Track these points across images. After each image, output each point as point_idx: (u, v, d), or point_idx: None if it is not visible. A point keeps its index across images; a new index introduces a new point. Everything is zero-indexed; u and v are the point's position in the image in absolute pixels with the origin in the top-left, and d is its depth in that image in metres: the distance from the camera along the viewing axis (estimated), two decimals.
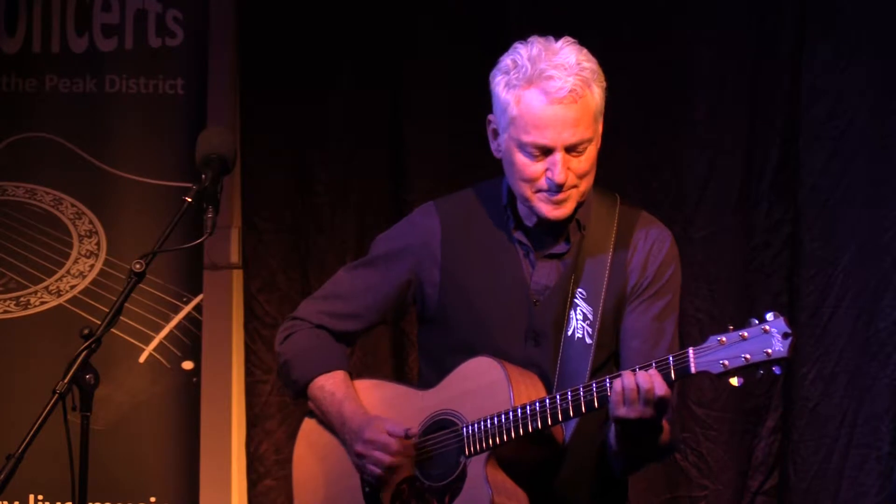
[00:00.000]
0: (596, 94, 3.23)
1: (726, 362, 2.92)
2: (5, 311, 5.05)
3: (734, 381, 2.94)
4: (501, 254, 3.35)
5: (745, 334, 2.92)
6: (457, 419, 3.27)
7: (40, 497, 4.92)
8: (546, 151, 3.21)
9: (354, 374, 3.47)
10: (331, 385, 3.41)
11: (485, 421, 3.20)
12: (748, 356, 2.90)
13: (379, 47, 5.15)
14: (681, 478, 4.88)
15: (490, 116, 3.33)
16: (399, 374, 5.04)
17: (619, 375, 3.03)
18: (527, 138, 3.21)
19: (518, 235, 3.34)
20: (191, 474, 4.99)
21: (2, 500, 3.81)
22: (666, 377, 3.01)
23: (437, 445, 3.28)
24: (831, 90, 4.78)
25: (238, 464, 5.20)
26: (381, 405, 3.39)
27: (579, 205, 3.29)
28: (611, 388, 3.03)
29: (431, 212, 3.45)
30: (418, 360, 3.53)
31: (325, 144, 5.18)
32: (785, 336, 2.90)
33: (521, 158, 3.24)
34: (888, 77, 4.73)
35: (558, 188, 3.21)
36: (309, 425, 3.50)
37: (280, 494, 5.09)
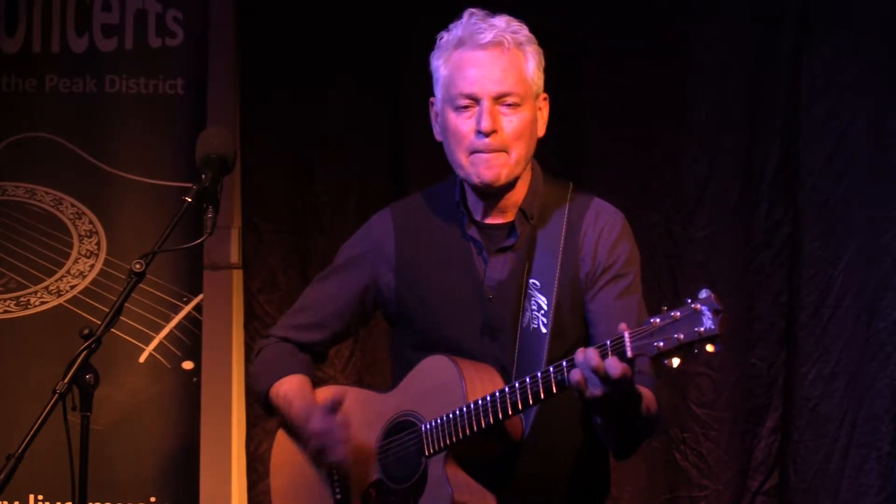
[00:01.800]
0: (528, 59, 3.28)
1: (660, 344, 2.88)
2: (5, 311, 5.05)
3: (673, 362, 2.90)
4: (454, 252, 3.36)
5: (678, 314, 2.88)
6: (416, 419, 3.28)
7: (40, 497, 4.92)
8: (475, 101, 3.24)
9: (340, 379, 3.48)
10: (285, 389, 3.44)
11: (440, 419, 3.20)
12: (681, 336, 2.86)
13: (379, 47, 5.15)
14: (681, 478, 4.88)
15: (431, 99, 3.40)
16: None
17: (572, 362, 2.98)
18: (455, 90, 3.27)
19: (471, 233, 3.36)
20: (191, 474, 4.99)
21: (2, 500, 3.81)
22: None
23: (399, 447, 3.30)
24: (831, 90, 4.78)
25: (238, 464, 5.20)
26: (343, 412, 3.36)
27: (515, 178, 3.28)
28: (570, 378, 2.98)
29: (386, 216, 3.51)
30: (392, 364, 3.54)
31: (325, 144, 5.18)
32: (716, 313, 2.83)
33: (453, 119, 3.29)
34: (888, 77, 4.73)
35: (485, 135, 3.23)
36: (279, 437, 3.53)
37: None
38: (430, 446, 3.22)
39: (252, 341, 5.15)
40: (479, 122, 3.24)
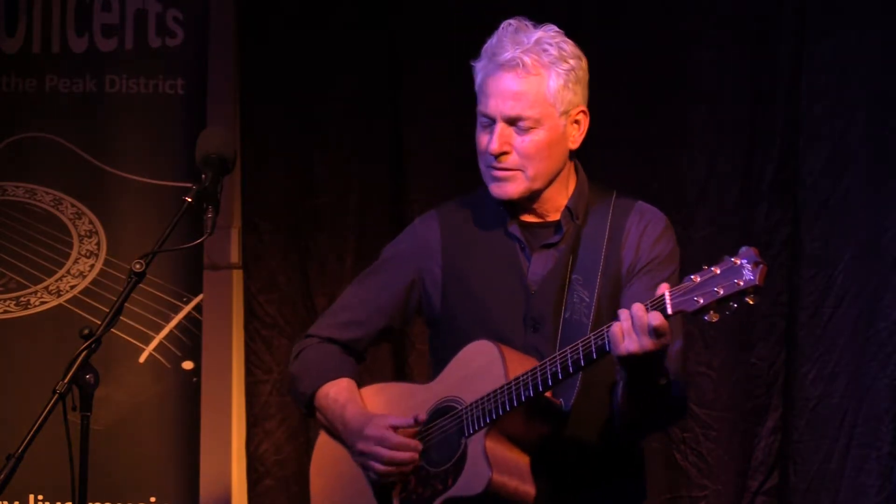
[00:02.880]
0: (552, 79, 3.29)
1: (700, 299, 2.91)
2: (5, 311, 5.05)
3: (710, 317, 2.93)
4: (498, 249, 3.40)
5: (717, 269, 2.91)
6: (457, 403, 3.30)
7: (40, 497, 4.92)
8: (493, 121, 3.30)
9: (358, 379, 3.48)
10: (334, 392, 3.44)
11: (481, 399, 3.22)
12: (720, 289, 2.89)
13: (379, 47, 5.15)
14: (681, 478, 4.89)
15: None
16: (399, 376, 5.05)
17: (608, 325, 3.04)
18: (479, 106, 3.34)
19: (513, 230, 3.39)
20: (191, 474, 4.99)
21: (2, 500, 3.81)
22: None
23: (439, 431, 3.31)
24: (831, 90, 4.78)
25: (238, 464, 5.20)
26: (386, 406, 3.42)
27: (538, 191, 3.33)
28: (609, 330, 3.03)
29: (432, 217, 3.53)
30: (429, 369, 3.54)
31: (325, 144, 5.18)
32: (756, 265, 2.88)
33: (478, 131, 3.36)
34: (888, 77, 4.73)
35: (492, 156, 3.30)
36: (321, 439, 3.53)
37: (280, 494, 5.10)
38: (471, 426, 3.23)
39: (252, 341, 5.15)
40: (488, 143, 3.31)
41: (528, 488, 3.20)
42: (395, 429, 3.30)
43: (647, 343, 2.99)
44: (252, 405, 5.14)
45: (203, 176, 3.13)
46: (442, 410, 3.32)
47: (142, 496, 4.94)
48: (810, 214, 4.80)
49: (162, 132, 5.08)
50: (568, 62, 3.31)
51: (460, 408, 3.28)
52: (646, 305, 2.99)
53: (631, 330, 3.00)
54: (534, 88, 3.28)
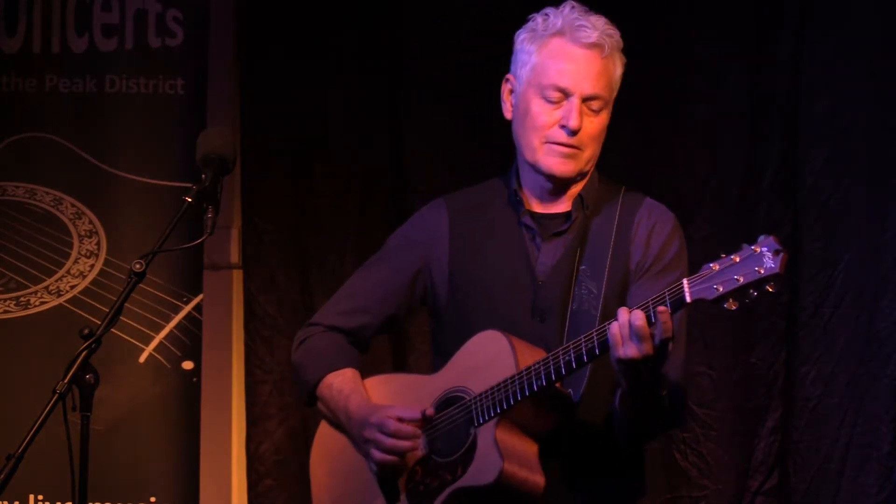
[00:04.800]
0: (618, 66, 3.34)
1: (720, 287, 2.91)
2: (5, 311, 5.05)
3: (729, 305, 2.92)
4: (507, 238, 3.39)
5: (737, 258, 2.92)
6: (465, 394, 3.28)
7: (40, 497, 4.92)
8: (565, 95, 3.28)
9: (361, 370, 3.47)
10: (339, 383, 3.43)
11: (491, 389, 3.21)
12: (741, 278, 2.89)
13: (379, 47, 5.15)
14: (681, 478, 4.88)
15: (508, 76, 3.41)
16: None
17: (615, 318, 3.04)
18: (548, 80, 3.30)
19: (525, 220, 3.39)
20: (191, 474, 4.99)
21: (2, 500, 3.81)
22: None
23: (447, 422, 3.29)
24: (831, 90, 4.78)
25: (238, 464, 5.20)
26: (391, 397, 3.40)
27: (581, 175, 3.34)
28: (609, 329, 3.04)
29: (440, 205, 3.52)
30: (432, 360, 3.54)
31: (325, 144, 5.18)
32: (776, 253, 2.88)
33: (537, 105, 3.31)
34: (889, 77, 4.73)
35: (572, 133, 3.28)
36: (322, 429, 3.51)
37: (280, 494, 5.09)
38: (480, 416, 3.22)
39: (252, 342, 5.15)
40: (567, 119, 3.28)
41: (538, 478, 3.19)
42: (400, 420, 3.28)
43: (646, 349, 2.99)
44: (252, 405, 5.14)
45: (203, 176, 3.13)
46: (449, 401, 3.31)
47: (142, 496, 4.94)
48: (810, 214, 4.80)
49: (162, 132, 5.08)
50: (620, 49, 3.36)
51: (468, 398, 3.26)
52: (664, 293, 2.99)
53: (628, 336, 2.99)
54: (610, 70, 3.32)
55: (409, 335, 4.99)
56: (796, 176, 4.83)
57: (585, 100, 3.29)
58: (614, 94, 3.35)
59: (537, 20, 3.36)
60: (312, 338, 3.50)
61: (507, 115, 3.41)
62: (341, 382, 3.43)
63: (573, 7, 3.34)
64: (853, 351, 4.74)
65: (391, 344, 5.08)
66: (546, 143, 3.31)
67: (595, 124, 3.31)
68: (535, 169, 3.36)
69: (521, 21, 4.82)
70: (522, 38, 3.37)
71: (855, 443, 4.73)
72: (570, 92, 3.28)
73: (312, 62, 5.16)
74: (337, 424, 3.44)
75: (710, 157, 4.90)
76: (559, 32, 3.31)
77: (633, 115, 4.88)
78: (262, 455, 5.11)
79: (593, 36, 3.28)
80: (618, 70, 3.34)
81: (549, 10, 3.36)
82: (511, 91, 3.40)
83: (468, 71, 4.93)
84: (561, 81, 3.28)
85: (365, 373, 3.53)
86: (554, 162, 3.32)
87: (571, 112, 3.27)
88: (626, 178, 4.81)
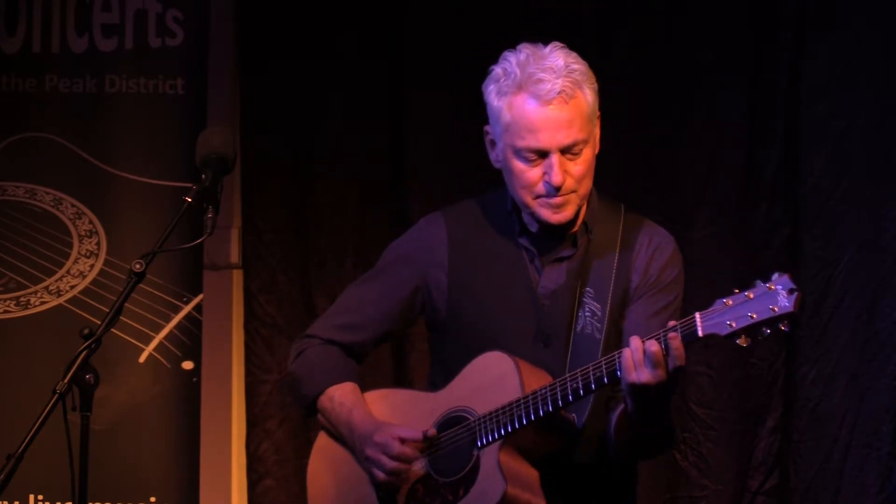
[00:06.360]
0: (587, 96, 3.28)
1: (733, 323, 2.92)
2: (5, 311, 5.05)
3: (741, 341, 2.93)
4: (508, 259, 3.37)
5: (751, 294, 2.92)
6: (468, 414, 3.28)
7: (40, 497, 4.92)
8: (542, 154, 3.25)
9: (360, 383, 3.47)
10: (339, 396, 3.42)
11: (496, 411, 3.21)
12: (754, 315, 2.90)
13: (379, 48, 5.15)
14: (681, 478, 4.88)
15: (486, 127, 3.37)
16: (399, 375, 5.05)
17: (629, 344, 3.05)
18: (521, 143, 3.25)
19: (523, 241, 3.38)
20: (191, 474, 4.99)
21: (2, 500, 3.81)
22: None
23: (450, 442, 3.29)
24: (831, 90, 4.78)
25: (238, 464, 5.20)
26: (391, 413, 3.40)
27: (580, 208, 3.33)
28: (620, 357, 3.04)
29: (438, 220, 3.48)
30: (430, 370, 3.54)
31: (325, 145, 5.18)
32: (791, 292, 2.89)
33: (518, 165, 3.28)
34: (888, 77, 4.73)
35: (556, 190, 3.25)
36: (322, 440, 3.50)
37: (280, 494, 5.09)
38: (484, 437, 3.22)
39: (252, 342, 5.15)
40: (549, 176, 3.25)
41: (540, 502, 3.19)
42: (402, 440, 3.28)
43: (660, 375, 3.01)
44: (252, 405, 5.14)
45: (203, 176, 3.12)
46: (452, 420, 3.31)
47: (142, 496, 4.94)
48: (810, 214, 4.80)
49: (162, 132, 5.08)
50: (588, 74, 3.30)
51: (472, 419, 3.26)
52: (676, 326, 3.00)
53: (641, 361, 3.00)
54: (580, 112, 3.25)
55: (408, 335, 4.99)
56: (796, 176, 4.83)
57: (564, 151, 3.25)
58: (593, 124, 3.29)
59: (498, 73, 3.30)
60: (310, 350, 3.49)
61: (496, 164, 3.37)
62: (342, 396, 3.42)
63: (528, 54, 3.27)
64: (853, 351, 4.74)
65: (391, 343, 5.08)
66: (537, 198, 3.28)
67: (580, 165, 3.27)
68: (533, 217, 3.34)
69: (521, 20, 4.84)
70: (489, 91, 3.32)
71: (855, 443, 4.73)
72: (546, 150, 3.24)
73: (312, 62, 5.16)
74: (337, 437, 3.43)
75: (710, 157, 4.90)
76: (520, 87, 3.24)
77: (634, 115, 4.89)
78: (262, 455, 5.11)
79: (555, 88, 3.21)
80: (589, 99, 3.27)
81: (507, 55, 3.30)
82: (492, 142, 3.36)
83: (468, 71, 4.92)
84: (534, 144, 3.24)
85: (365, 371, 3.53)
86: (548, 214, 3.29)
87: (552, 169, 3.23)
88: (627, 179, 4.86)
